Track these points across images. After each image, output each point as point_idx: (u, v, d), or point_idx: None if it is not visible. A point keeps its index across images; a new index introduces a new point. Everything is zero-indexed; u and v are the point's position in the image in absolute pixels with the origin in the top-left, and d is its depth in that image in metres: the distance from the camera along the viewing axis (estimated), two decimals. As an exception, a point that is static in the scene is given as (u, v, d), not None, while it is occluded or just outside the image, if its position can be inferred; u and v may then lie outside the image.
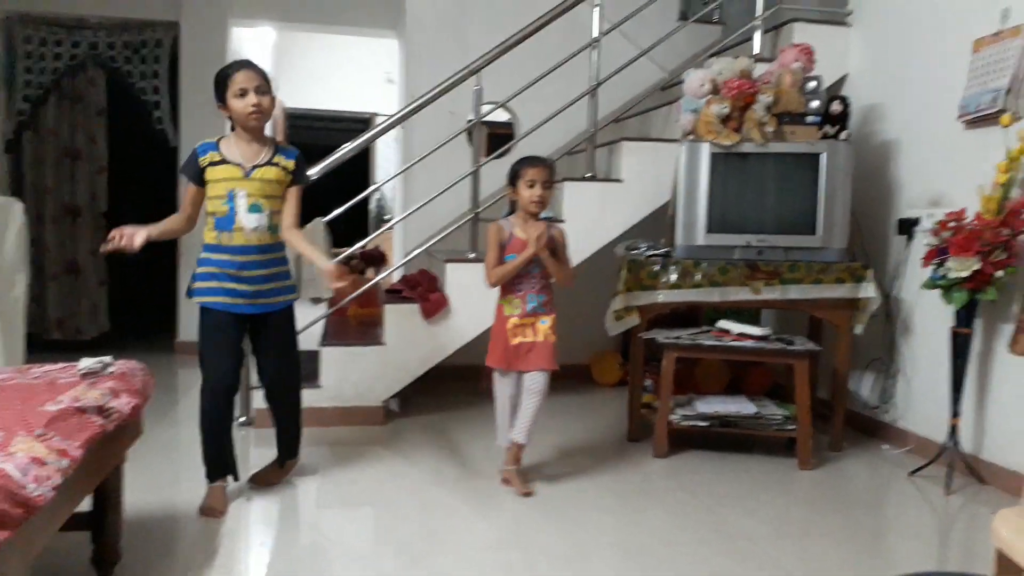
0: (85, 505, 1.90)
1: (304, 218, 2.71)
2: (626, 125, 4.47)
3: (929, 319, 3.33)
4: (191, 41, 5.08)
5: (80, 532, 1.99)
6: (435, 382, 4.09)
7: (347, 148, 3.55)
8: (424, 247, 3.95)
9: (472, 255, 3.66)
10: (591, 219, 3.70)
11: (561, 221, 3.55)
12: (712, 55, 3.97)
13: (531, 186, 2.73)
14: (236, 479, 2.72)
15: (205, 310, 2.57)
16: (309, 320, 3.58)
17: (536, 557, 2.29)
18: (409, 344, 3.62)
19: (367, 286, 3.96)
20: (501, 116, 4.86)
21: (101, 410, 1.79)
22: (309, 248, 2.58)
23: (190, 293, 2.60)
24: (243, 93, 2.46)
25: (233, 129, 2.57)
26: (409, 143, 4.57)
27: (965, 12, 3.19)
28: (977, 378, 3.07)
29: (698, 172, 3.35)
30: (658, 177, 3.71)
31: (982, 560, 2.33)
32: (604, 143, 4.04)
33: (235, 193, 2.49)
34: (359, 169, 7.71)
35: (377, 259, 5.38)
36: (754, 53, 3.92)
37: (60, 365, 2.09)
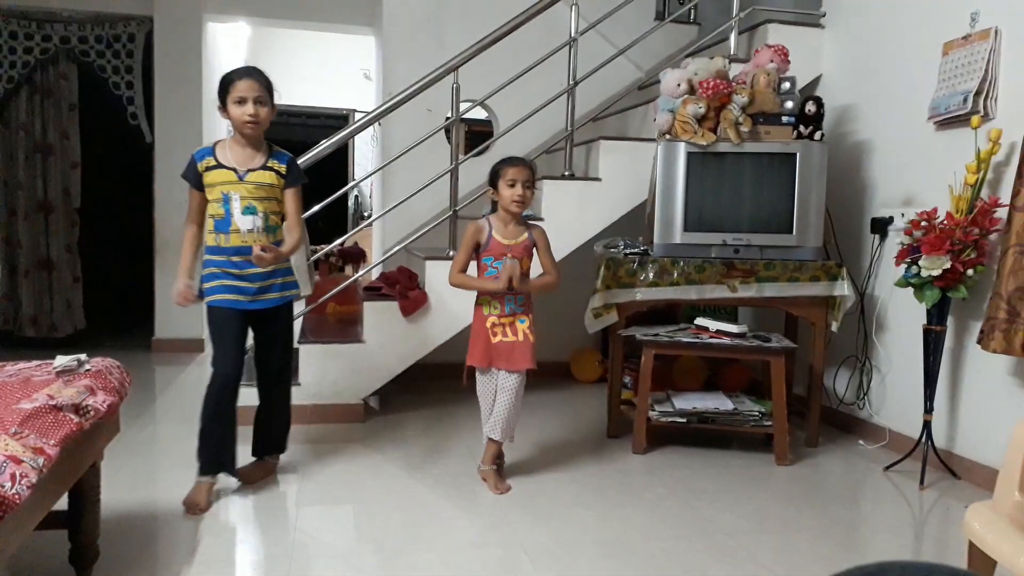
0: (62, 504, 1.88)
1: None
2: (604, 124, 4.49)
3: (902, 317, 3.38)
4: (165, 36, 5.03)
5: (58, 531, 1.97)
6: (415, 379, 4.09)
7: (324, 144, 3.54)
8: (403, 245, 3.95)
9: (451, 253, 3.65)
10: (570, 217, 3.72)
11: (540, 220, 3.56)
12: (688, 55, 4.00)
13: (512, 185, 2.73)
14: (235, 475, 2.71)
15: (211, 308, 2.62)
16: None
17: (516, 553, 2.30)
18: (388, 341, 3.62)
19: (346, 283, 3.95)
20: (480, 114, 4.87)
21: (77, 408, 1.78)
22: (288, 248, 2.63)
23: (200, 293, 2.63)
24: (242, 101, 2.51)
25: (231, 133, 2.62)
26: (387, 140, 4.55)
27: (935, 15, 3.24)
28: (950, 374, 3.13)
29: (675, 171, 3.38)
30: (636, 176, 3.74)
31: (955, 553, 2.38)
32: (582, 142, 4.05)
33: (230, 196, 2.54)
34: (337, 166, 7.68)
35: (356, 256, 5.37)
36: (730, 53, 3.95)
37: (35, 363, 2.07)
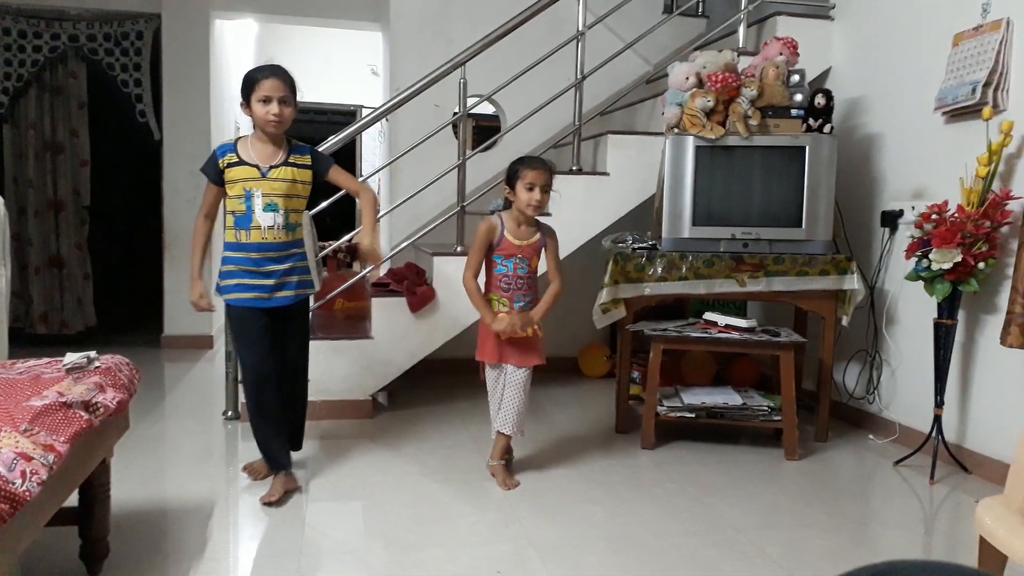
0: (72, 500, 1.89)
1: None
2: (612, 118, 4.48)
3: (913, 310, 3.36)
4: (173, 33, 5.03)
5: (68, 527, 1.98)
6: (423, 376, 4.09)
7: (332, 140, 3.54)
8: (411, 240, 3.95)
9: (459, 248, 3.65)
10: (577, 212, 3.71)
11: (548, 215, 3.55)
12: (696, 48, 3.98)
13: (530, 189, 2.70)
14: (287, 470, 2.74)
15: (232, 307, 2.64)
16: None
17: (525, 549, 2.30)
18: (396, 338, 3.62)
19: (354, 280, 3.95)
20: (487, 109, 4.86)
21: (87, 405, 1.78)
22: (370, 217, 2.72)
23: (219, 290, 2.66)
24: (267, 100, 2.51)
25: (253, 129, 2.62)
26: (395, 136, 4.55)
27: (946, 6, 3.22)
28: (960, 368, 3.11)
29: (683, 165, 3.37)
30: (644, 170, 3.72)
31: (966, 548, 2.37)
32: (590, 136, 4.04)
33: (252, 193, 2.55)
34: (345, 162, 7.65)
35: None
36: (738, 46, 3.93)
37: (45, 360, 2.08)
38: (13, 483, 1.38)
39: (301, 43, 6.93)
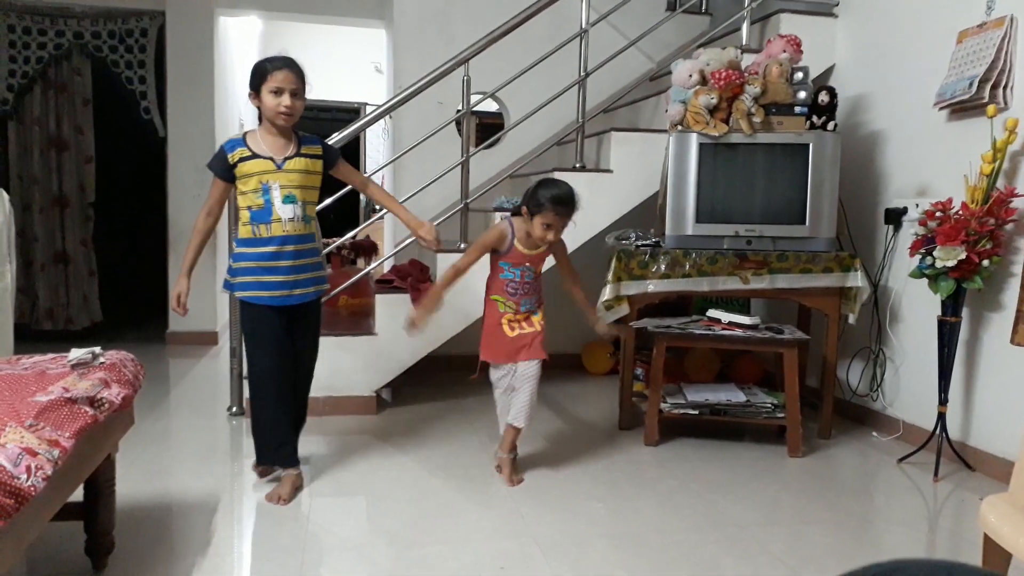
0: (78, 495, 1.90)
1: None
2: (615, 115, 4.47)
3: (917, 308, 3.35)
4: (177, 30, 5.05)
5: (73, 522, 1.99)
6: (426, 372, 4.10)
7: (336, 138, 3.53)
8: (414, 237, 3.94)
9: (463, 245, 3.66)
10: (580, 209, 3.69)
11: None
12: (700, 45, 3.98)
13: (547, 228, 2.67)
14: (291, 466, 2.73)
15: (246, 305, 2.59)
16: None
17: (529, 546, 2.30)
18: (400, 334, 3.60)
19: (358, 276, 3.95)
20: (491, 106, 4.86)
21: (92, 401, 1.79)
22: (396, 205, 2.78)
23: (229, 287, 2.62)
24: (278, 92, 2.47)
25: (260, 121, 2.58)
26: (398, 133, 4.55)
27: (950, 3, 3.21)
28: (964, 366, 3.10)
29: (687, 162, 3.36)
30: (647, 167, 3.72)
31: (970, 545, 2.36)
32: (593, 133, 4.04)
33: (269, 185, 2.50)
34: (348, 159, 7.67)
35: (367, 249, 5.39)
36: (742, 44, 3.92)
37: (50, 356, 2.09)
38: (18, 478, 1.39)
39: (305, 40, 6.93)
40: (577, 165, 3.80)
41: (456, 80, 3.66)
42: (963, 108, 3.07)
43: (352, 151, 7.90)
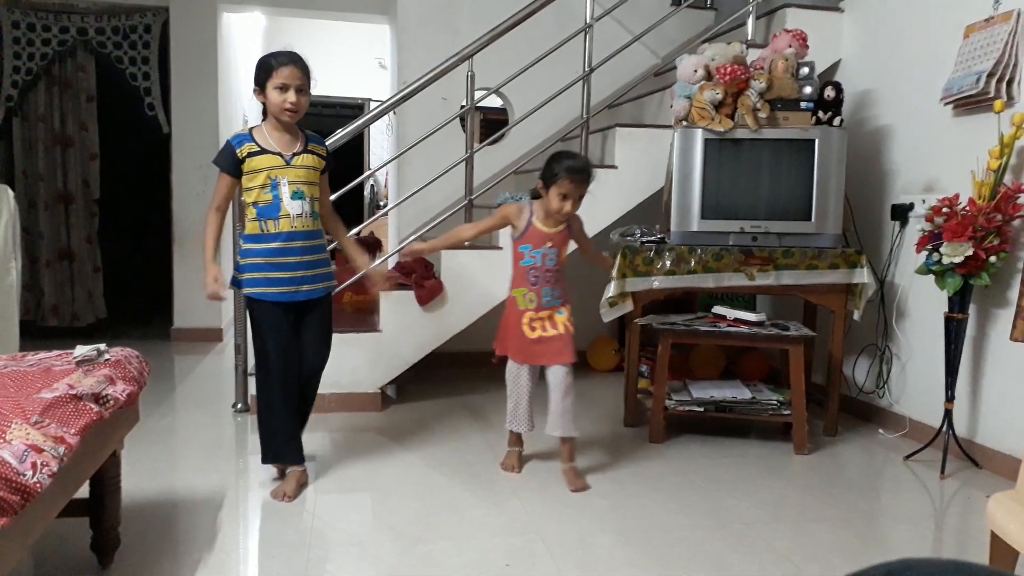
0: (83, 491, 1.90)
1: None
2: (620, 111, 4.46)
3: (923, 304, 3.34)
4: (181, 26, 5.05)
5: (79, 518, 1.99)
6: (431, 369, 4.10)
7: (340, 134, 3.54)
8: (419, 234, 3.94)
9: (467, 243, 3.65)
10: (585, 205, 3.63)
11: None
12: (705, 41, 3.96)
13: (563, 198, 2.65)
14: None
15: (254, 301, 2.58)
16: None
17: (534, 542, 2.30)
18: (405, 331, 3.62)
19: (360, 273, 3.94)
20: (495, 102, 4.85)
21: (97, 397, 1.79)
22: (352, 246, 2.79)
23: (236, 284, 2.61)
24: (284, 88, 2.46)
25: (264, 117, 2.58)
26: (402, 129, 4.55)
27: (959, -3, 3.19)
28: (971, 363, 3.09)
29: (692, 158, 3.35)
30: (652, 163, 3.71)
31: (977, 543, 2.35)
32: (598, 129, 4.03)
33: (278, 181, 2.50)
34: (353, 155, 7.69)
35: (372, 246, 5.37)
36: (747, 39, 3.91)
37: (55, 353, 2.09)
38: (24, 475, 1.39)
39: (308, 36, 6.92)
40: (582, 161, 3.79)
41: (460, 76, 3.65)
42: (970, 103, 3.05)
43: (356, 147, 7.90)
